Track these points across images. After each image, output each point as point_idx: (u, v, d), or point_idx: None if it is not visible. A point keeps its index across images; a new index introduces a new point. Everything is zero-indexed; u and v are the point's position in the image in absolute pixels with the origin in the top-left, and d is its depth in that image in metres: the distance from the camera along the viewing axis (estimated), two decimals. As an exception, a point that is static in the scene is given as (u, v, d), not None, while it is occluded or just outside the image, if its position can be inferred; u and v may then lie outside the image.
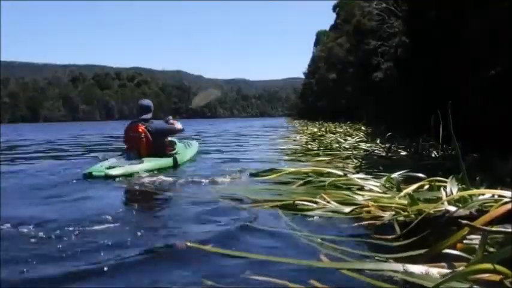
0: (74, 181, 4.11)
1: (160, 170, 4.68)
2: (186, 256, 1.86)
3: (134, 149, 4.97)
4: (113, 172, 4.27)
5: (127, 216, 2.63)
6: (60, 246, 2.00)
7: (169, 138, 5.58)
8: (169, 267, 1.75)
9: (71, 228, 2.26)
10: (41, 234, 2.17)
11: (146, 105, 5.16)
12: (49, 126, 49.84)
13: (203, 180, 3.89)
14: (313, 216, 2.52)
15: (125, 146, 5.15)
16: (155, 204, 3.17)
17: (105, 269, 1.72)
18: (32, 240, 2.10)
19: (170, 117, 5.59)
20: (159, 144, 5.08)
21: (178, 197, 3.34)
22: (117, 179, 4.17)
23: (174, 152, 5.38)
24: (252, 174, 4.19)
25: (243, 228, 2.28)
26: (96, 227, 2.32)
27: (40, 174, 4.77)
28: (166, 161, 5.00)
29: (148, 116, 5.13)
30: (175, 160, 5.07)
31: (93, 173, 4.29)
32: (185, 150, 5.82)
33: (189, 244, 1.94)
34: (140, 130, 4.97)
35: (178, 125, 5.38)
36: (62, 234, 2.18)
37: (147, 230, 2.30)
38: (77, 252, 1.91)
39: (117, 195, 3.63)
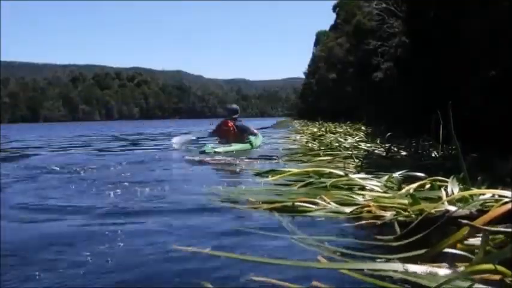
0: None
1: (242, 150, 7.19)
2: (185, 259, 1.85)
3: (225, 137, 7.63)
4: (218, 149, 6.88)
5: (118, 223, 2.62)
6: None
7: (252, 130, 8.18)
8: (168, 270, 1.75)
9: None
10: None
11: (234, 108, 8.03)
12: (61, 126, 49.70)
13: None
14: (313, 217, 2.52)
15: (217, 135, 7.95)
16: (152, 205, 3.13)
17: (101, 269, 1.73)
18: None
19: (252, 126, 8.32)
20: (240, 135, 7.73)
21: (177, 198, 3.33)
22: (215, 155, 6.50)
23: (248, 140, 7.82)
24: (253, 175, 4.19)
25: (242, 230, 2.27)
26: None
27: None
28: (245, 145, 7.58)
29: (236, 115, 7.88)
30: (251, 144, 7.71)
31: (206, 151, 6.72)
32: (255, 140, 8.13)
33: (187, 247, 1.94)
34: (230, 125, 7.72)
35: (254, 130, 8.07)
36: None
37: (143, 233, 2.31)
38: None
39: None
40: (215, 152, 6.72)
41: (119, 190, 3.63)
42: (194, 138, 8.54)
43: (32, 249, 2.03)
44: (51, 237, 2.22)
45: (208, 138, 8.30)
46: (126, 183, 4.02)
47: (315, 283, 1.49)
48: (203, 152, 6.66)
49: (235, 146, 7.23)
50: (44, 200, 3.31)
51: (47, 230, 2.41)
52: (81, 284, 1.62)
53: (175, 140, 8.13)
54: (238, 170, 4.77)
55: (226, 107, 8.27)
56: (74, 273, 1.70)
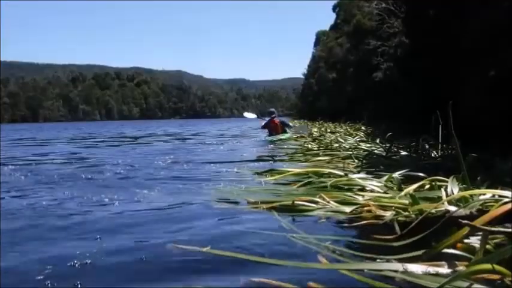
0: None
1: (285, 138, 10.21)
2: (183, 259, 1.84)
3: (274, 131, 10.83)
4: (282, 137, 10.20)
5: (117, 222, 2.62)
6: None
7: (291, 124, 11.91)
8: (166, 269, 1.74)
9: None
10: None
11: (271, 111, 11.30)
12: (65, 125, 49.65)
13: None
14: (313, 217, 2.52)
15: (267, 130, 11.16)
16: (151, 205, 3.11)
17: (98, 267, 1.74)
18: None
19: (290, 122, 12.32)
20: (282, 129, 11.00)
21: (176, 198, 3.32)
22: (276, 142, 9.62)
23: (286, 132, 11.04)
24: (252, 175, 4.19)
25: (242, 230, 2.26)
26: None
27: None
28: (287, 135, 10.73)
29: (275, 115, 11.11)
30: (289, 135, 10.84)
31: (273, 140, 9.94)
32: (288, 132, 11.32)
33: (186, 246, 1.93)
34: (276, 122, 10.95)
35: (290, 124, 11.67)
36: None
37: (143, 232, 2.30)
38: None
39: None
40: (280, 139, 9.95)
41: (118, 190, 3.62)
42: (256, 116, 13.13)
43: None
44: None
45: (260, 130, 12.33)
46: (125, 184, 4.02)
47: (311, 284, 1.49)
48: (271, 141, 9.87)
49: (283, 136, 10.56)
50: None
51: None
52: (78, 278, 1.61)
53: (247, 114, 13.78)
54: (237, 169, 4.75)
55: (268, 111, 11.64)
56: (70, 270, 1.70)
